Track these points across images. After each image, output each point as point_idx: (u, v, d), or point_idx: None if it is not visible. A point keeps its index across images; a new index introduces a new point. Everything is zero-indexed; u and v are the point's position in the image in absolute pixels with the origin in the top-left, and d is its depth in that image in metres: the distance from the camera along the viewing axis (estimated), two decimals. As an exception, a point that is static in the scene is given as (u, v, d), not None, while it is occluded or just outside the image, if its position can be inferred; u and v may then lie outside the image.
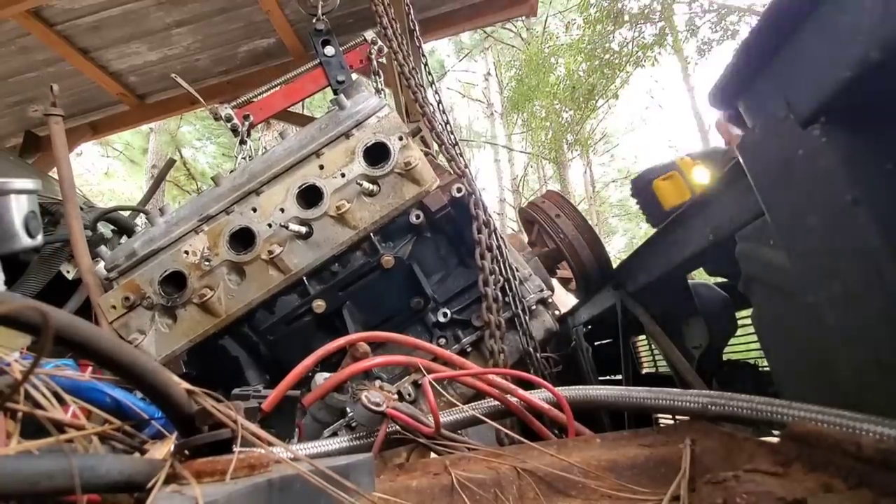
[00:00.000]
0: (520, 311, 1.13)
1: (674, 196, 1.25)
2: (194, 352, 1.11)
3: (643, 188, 1.30)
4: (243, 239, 1.11)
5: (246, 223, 1.10)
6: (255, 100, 1.78)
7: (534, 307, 1.17)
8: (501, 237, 1.16)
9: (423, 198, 1.12)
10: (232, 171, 1.20)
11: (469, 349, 1.15)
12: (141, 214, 1.92)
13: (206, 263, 1.09)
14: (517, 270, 1.17)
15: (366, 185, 1.09)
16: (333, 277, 1.13)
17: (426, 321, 1.17)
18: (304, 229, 1.08)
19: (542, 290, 1.18)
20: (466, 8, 3.06)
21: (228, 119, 1.70)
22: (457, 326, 1.17)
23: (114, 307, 1.09)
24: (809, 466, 0.42)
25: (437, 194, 1.13)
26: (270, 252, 1.07)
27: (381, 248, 1.12)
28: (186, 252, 1.09)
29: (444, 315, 1.15)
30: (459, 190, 1.14)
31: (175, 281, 1.10)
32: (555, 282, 1.55)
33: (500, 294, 1.12)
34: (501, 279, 1.13)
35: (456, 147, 1.32)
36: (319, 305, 1.10)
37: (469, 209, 1.15)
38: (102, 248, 1.15)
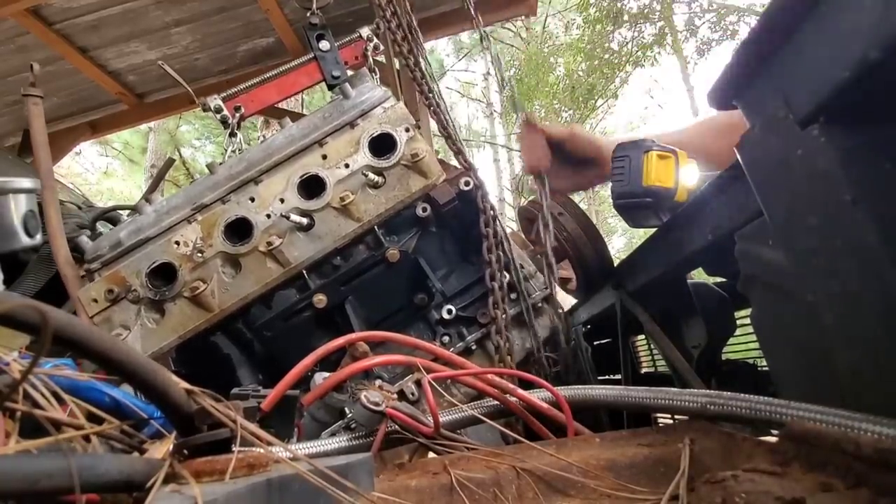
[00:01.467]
0: (525, 308, 1.11)
1: (660, 175, 1.19)
2: (182, 349, 1.07)
3: (631, 152, 1.23)
4: (240, 230, 1.06)
5: (243, 213, 1.06)
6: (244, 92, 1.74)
7: (539, 304, 1.15)
8: (506, 236, 1.14)
9: (429, 190, 1.09)
10: (222, 164, 1.16)
11: (474, 347, 1.13)
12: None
13: (199, 255, 1.04)
14: (522, 268, 1.15)
15: (371, 176, 1.06)
16: (335, 271, 1.09)
17: (429, 318, 1.15)
18: (305, 221, 1.05)
19: (546, 288, 1.16)
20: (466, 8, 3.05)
21: (218, 110, 1.65)
22: (461, 324, 1.15)
23: (95, 300, 1.03)
24: (808, 466, 0.42)
25: (445, 187, 1.10)
26: (269, 244, 1.03)
27: (386, 241, 1.10)
28: (177, 242, 1.05)
29: (449, 312, 1.13)
30: (467, 184, 1.12)
31: (164, 273, 1.05)
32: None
33: (506, 289, 1.10)
34: (507, 275, 1.11)
35: (459, 142, 1.31)
36: (320, 300, 1.06)
37: (476, 203, 1.13)
38: (84, 238, 1.08)
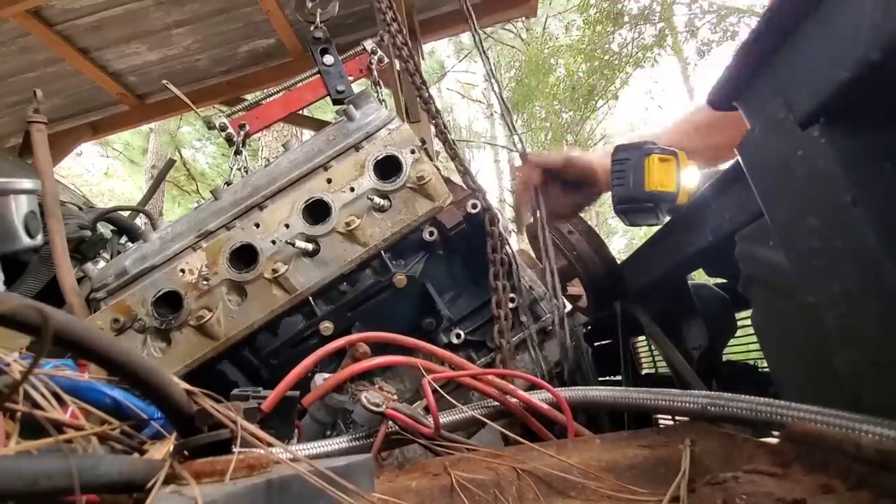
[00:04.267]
0: (533, 332, 1.08)
1: (662, 179, 1.16)
2: (190, 377, 1.03)
3: (631, 155, 1.21)
4: (245, 256, 1.05)
5: (248, 239, 1.04)
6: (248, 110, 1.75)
7: (549, 327, 1.11)
8: (514, 258, 1.11)
9: (436, 213, 1.07)
10: (228, 184, 1.14)
11: (483, 371, 1.11)
12: (141, 214, 1.91)
13: (205, 283, 1.03)
14: (532, 289, 1.12)
15: (376, 200, 1.04)
16: (342, 297, 1.07)
17: (438, 342, 1.11)
18: (310, 246, 1.03)
19: (557, 310, 1.13)
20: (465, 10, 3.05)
21: (223, 128, 1.65)
22: (470, 347, 1.12)
23: (101, 330, 1.01)
24: (809, 467, 0.42)
25: (452, 210, 1.08)
26: (274, 270, 1.02)
27: (392, 266, 1.07)
28: (183, 270, 1.03)
29: (458, 336, 1.10)
30: (475, 206, 1.08)
31: (170, 302, 1.03)
32: (564, 299, 1.52)
33: (511, 306, 1.06)
34: (516, 298, 1.07)
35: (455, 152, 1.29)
36: (327, 328, 1.04)
37: (481, 215, 1.09)
38: (89, 265, 1.08)
